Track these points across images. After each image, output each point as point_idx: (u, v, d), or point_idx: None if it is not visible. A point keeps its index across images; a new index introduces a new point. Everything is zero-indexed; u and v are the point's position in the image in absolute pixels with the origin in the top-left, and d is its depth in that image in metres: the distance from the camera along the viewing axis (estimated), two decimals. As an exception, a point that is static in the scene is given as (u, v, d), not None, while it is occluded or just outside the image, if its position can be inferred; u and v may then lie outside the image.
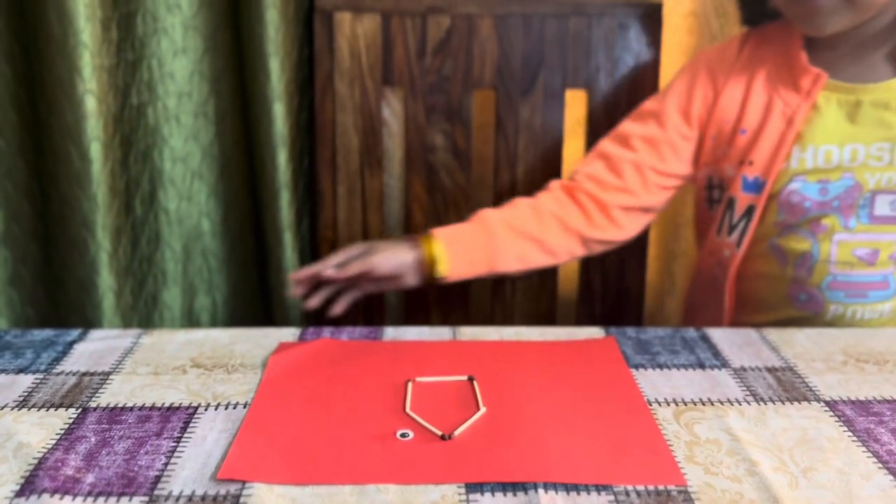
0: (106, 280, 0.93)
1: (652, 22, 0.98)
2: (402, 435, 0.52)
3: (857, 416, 0.56)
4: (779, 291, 0.80)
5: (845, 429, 0.54)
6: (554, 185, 0.85)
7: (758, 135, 0.76)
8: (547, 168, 0.99)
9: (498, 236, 0.80)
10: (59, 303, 0.98)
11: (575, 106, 1.02)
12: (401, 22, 0.96)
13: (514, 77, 0.98)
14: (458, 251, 0.78)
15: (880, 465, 0.50)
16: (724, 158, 0.80)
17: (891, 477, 0.49)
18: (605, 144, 0.85)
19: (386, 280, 0.77)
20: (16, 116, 0.92)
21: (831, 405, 0.58)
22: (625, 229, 0.84)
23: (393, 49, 0.97)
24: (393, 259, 0.76)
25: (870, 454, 0.51)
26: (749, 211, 0.77)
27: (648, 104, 0.85)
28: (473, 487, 0.47)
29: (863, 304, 0.77)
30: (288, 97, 0.96)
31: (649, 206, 0.84)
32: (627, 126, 0.84)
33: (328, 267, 0.75)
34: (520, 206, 0.83)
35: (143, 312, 1.00)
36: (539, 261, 0.82)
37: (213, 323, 1.05)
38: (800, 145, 0.75)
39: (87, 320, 0.93)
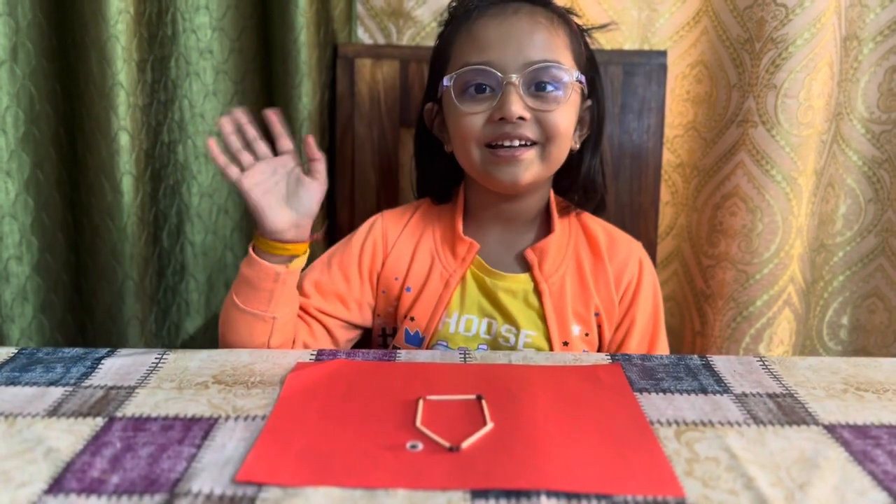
0: (132, 308, 0.97)
1: (657, 70, 1.03)
2: (412, 446, 0.55)
3: (855, 438, 0.58)
4: None
5: (843, 450, 0.56)
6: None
7: (420, 293, 0.82)
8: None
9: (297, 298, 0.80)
10: (87, 329, 1.01)
11: (584, 148, 1.07)
12: (418, 67, 1.01)
13: (526, 120, 1.02)
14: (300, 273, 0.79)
15: (876, 483, 0.52)
16: (394, 312, 0.84)
17: (886, 494, 0.50)
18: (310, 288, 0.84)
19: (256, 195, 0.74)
20: (54, 152, 0.98)
21: (830, 429, 0.59)
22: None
23: (410, 93, 1.02)
24: (279, 217, 0.74)
25: (866, 473, 0.53)
26: None
27: (337, 254, 0.85)
28: (479, 494, 0.49)
29: None
30: (310, 138, 1.01)
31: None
32: (324, 276, 0.84)
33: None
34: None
35: (165, 340, 1.04)
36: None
37: (232, 354, 1.08)
38: (447, 311, 0.81)
39: (113, 347, 0.96)
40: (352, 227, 1.06)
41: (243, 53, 1.02)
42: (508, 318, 0.81)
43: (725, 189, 1.08)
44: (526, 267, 0.82)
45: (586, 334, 0.82)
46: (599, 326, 0.83)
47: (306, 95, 0.99)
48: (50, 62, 0.95)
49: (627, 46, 1.13)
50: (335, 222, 1.06)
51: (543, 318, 0.80)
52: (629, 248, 0.85)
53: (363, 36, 1.08)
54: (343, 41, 1.05)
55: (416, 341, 0.82)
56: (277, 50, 0.99)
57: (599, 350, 0.85)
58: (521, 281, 0.82)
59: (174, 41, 0.99)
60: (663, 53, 1.04)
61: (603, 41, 1.11)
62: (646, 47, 1.13)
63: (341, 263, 0.85)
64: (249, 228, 1.06)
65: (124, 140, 0.93)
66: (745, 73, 1.03)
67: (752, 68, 1.02)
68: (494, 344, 0.81)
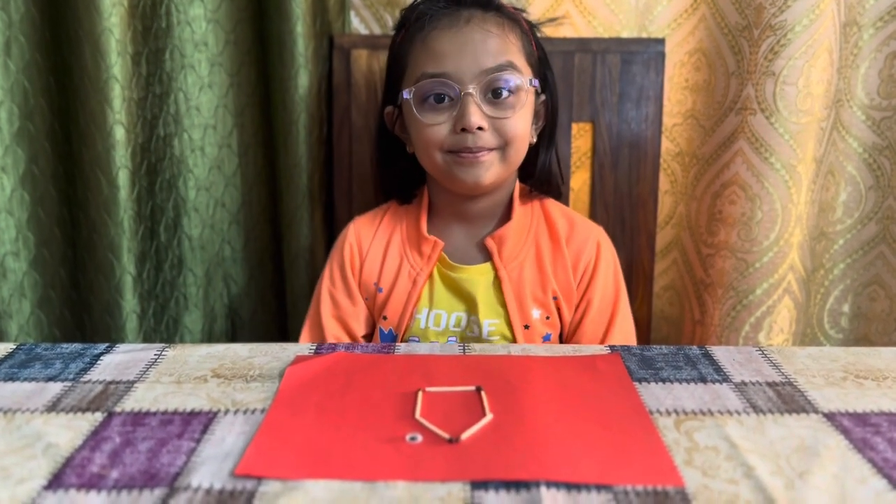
0: (130, 303, 0.96)
1: (655, 58, 1.02)
2: (412, 438, 0.54)
3: (855, 426, 0.58)
4: None
5: (842, 438, 0.56)
6: None
7: (391, 292, 0.85)
8: (555, 197, 1.03)
9: None
10: (85, 325, 1.01)
11: (581, 138, 1.06)
12: (415, 58, 1.00)
13: (524, 110, 1.02)
14: None
15: (875, 470, 0.52)
16: (371, 313, 0.89)
17: (885, 481, 0.50)
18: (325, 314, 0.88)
19: None
20: (49, 147, 0.97)
21: (829, 416, 0.59)
22: None
23: (407, 84, 1.01)
24: None
25: (865, 461, 0.53)
26: None
27: (336, 273, 0.89)
28: (479, 485, 0.49)
29: None
30: (307, 130, 1.00)
31: None
32: (335, 328, 0.88)
33: None
34: None
35: (164, 335, 1.03)
36: None
37: (232, 347, 1.08)
38: (417, 307, 0.85)
39: (111, 342, 0.96)
40: (349, 217, 1.06)
41: (238, 45, 1.02)
42: (473, 309, 0.84)
43: (724, 177, 1.08)
44: (487, 256, 0.85)
45: (547, 317, 0.85)
46: (559, 310, 0.86)
47: (302, 87, 0.98)
48: (43, 56, 0.95)
49: (625, 34, 1.12)
50: (333, 214, 1.05)
51: (504, 304, 0.83)
52: (587, 233, 0.88)
53: (358, 26, 1.08)
54: (337, 31, 1.05)
55: (390, 339, 0.86)
56: (273, 41, 0.99)
57: (561, 332, 0.88)
58: (483, 270, 0.85)
59: (169, 33, 0.98)
60: (661, 41, 1.04)
61: (601, 29, 1.11)
62: (643, 35, 1.12)
63: (342, 290, 0.88)
64: (246, 222, 1.05)
65: (119, 134, 0.93)
66: (744, 60, 1.02)
67: (750, 55, 1.02)
68: (464, 336, 0.85)
